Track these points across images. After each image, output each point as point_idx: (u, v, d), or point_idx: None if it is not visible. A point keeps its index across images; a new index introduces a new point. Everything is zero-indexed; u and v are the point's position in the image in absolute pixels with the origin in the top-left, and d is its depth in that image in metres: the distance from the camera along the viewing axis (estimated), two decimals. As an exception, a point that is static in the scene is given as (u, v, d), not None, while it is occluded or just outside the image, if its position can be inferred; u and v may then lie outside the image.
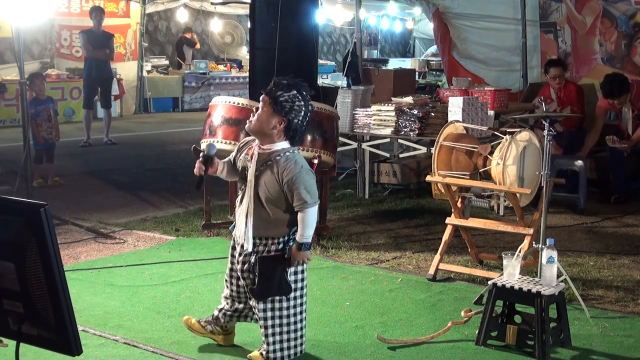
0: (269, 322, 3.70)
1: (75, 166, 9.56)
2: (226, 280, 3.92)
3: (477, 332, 4.09)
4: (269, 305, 3.69)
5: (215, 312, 3.98)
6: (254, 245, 3.66)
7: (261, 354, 3.77)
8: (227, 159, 3.87)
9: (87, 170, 9.36)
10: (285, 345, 3.74)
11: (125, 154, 10.59)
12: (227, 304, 3.94)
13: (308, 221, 3.58)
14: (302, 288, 3.76)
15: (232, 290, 3.89)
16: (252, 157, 3.67)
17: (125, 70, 14.88)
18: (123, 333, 4.15)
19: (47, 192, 7.89)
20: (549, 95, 7.73)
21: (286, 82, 3.63)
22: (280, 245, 3.66)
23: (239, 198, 3.76)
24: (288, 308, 3.71)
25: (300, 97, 3.63)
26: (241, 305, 3.90)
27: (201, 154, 3.74)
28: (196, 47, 17.53)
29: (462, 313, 4.34)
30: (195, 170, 3.74)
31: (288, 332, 3.73)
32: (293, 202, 3.58)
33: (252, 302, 3.76)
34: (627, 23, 9.04)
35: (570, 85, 7.81)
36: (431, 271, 5.17)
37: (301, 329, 3.78)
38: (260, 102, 3.66)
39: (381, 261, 5.62)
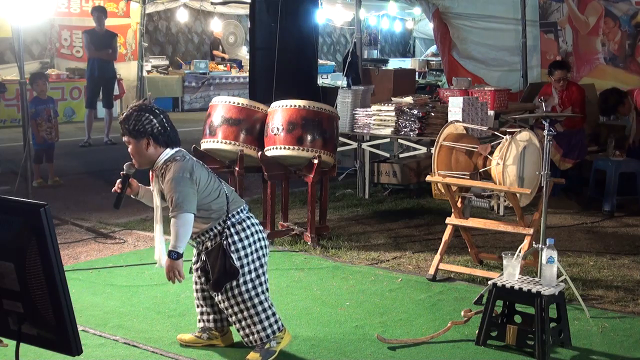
0: (234, 309, 3.79)
1: (75, 166, 9.56)
2: (195, 290, 4.03)
3: (477, 332, 4.09)
4: (228, 294, 3.77)
5: (201, 324, 4.03)
6: (202, 243, 3.81)
7: (248, 345, 3.84)
8: (150, 187, 3.98)
9: (87, 170, 9.36)
10: (257, 327, 3.79)
11: (125, 154, 10.40)
12: (203, 309, 4.02)
13: (175, 230, 3.65)
14: (254, 269, 3.80)
15: (202, 291, 3.99)
16: (152, 181, 3.88)
17: (126, 70, 14.86)
18: (123, 333, 4.16)
19: (47, 192, 7.89)
20: (551, 94, 7.72)
21: (124, 115, 3.81)
22: (220, 235, 3.76)
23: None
24: (244, 292, 3.77)
25: (141, 112, 3.78)
26: (215, 303, 3.98)
27: (121, 173, 3.89)
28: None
29: (462, 313, 4.34)
30: (114, 188, 3.90)
31: (255, 314, 3.78)
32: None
33: (216, 298, 3.85)
34: (629, 23, 9.04)
35: (573, 86, 7.78)
36: (431, 271, 5.17)
37: (268, 308, 3.82)
38: (125, 140, 3.85)
39: (381, 261, 5.62)
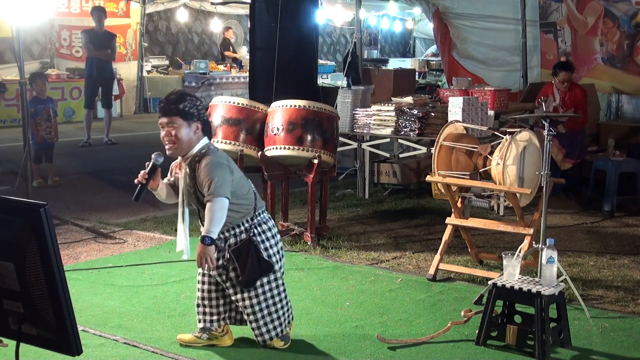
0: (260, 306, 3.83)
1: (75, 166, 9.56)
2: (200, 290, 4.00)
3: (477, 332, 4.09)
4: (257, 291, 3.82)
5: (201, 324, 4.01)
6: (225, 240, 3.78)
7: (262, 343, 3.92)
8: (165, 181, 3.93)
9: (87, 170, 9.36)
10: (280, 321, 3.90)
11: (125, 154, 10.59)
12: (206, 309, 4.00)
13: (211, 214, 3.61)
14: (278, 261, 3.89)
15: (209, 292, 3.97)
16: (181, 169, 3.82)
17: (126, 70, 14.88)
18: (123, 333, 4.15)
19: (47, 192, 7.89)
20: (552, 94, 7.69)
21: (175, 96, 3.75)
22: (246, 233, 3.79)
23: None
24: (274, 288, 3.87)
25: (193, 97, 3.79)
26: (222, 303, 3.99)
27: (147, 164, 3.76)
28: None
29: (462, 313, 4.34)
30: (137, 179, 3.75)
31: (280, 308, 3.89)
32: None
33: (236, 296, 3.85)
34: (629, 23, 9.04)
35: (576, 88, 7.73)
36: (431, 271, 5.17)
37: (287, 303, 3.97)
38: (166, 123, 3.71)
39: (381, 261, 5.62)
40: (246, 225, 3.79)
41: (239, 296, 3.85)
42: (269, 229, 3.87)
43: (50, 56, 14.59)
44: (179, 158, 3.84)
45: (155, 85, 15.83)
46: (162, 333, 4.18)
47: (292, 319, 4.06)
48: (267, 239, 3.84)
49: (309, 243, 5.96)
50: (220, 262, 3.80)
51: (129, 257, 5.66)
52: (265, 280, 3.82)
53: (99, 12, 11.55)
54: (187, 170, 3.75)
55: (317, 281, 5.14)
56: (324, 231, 6.18)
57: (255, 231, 3.80)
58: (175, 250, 4.10)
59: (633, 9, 8.97)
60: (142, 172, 3.75)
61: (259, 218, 3.84)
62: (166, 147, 3.75)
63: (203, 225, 3.71)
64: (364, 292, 4.94)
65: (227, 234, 3.79)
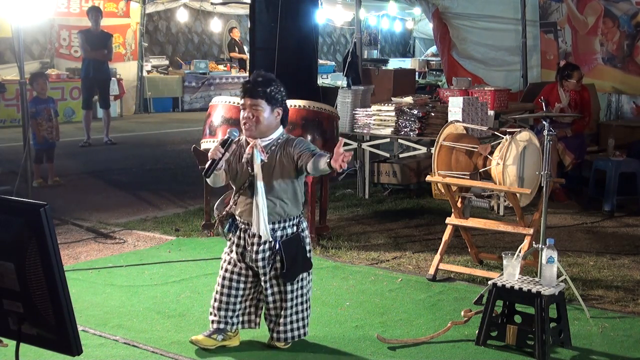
0: (293, 302, 3.87)
1: (75, 166, 9.55)
2: (227, 287, 3.93)
3: (477, 332, 4.09)
4: (297, 285, 3.86)
5: (219, 325, 3.95)
6: (273, 231, 3.79)
7: (273, 340, 3.92)
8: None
9: (87, 170, 9.36)
10: (300, 323, 3.92)
11: (125, 154, 10.59)
12: (227, 313, 3.93)
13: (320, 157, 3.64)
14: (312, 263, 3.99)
15: (229, 296, 3.92)
16: (252, 154, 3.76)
17: (125, 70, 14.87)
18: (123, 333, 4.15)
19: (47, 192, 7.89)
20: (558, 96, 7.63)
21: (262, 78, 3.74)
22: (295, 228, 3.84)
23: (238, 198, 3.85)
24: (307, 285, 3.93)
25: (279, 83, 3.77)
26: (242, 307, 3.97)
27: (221, 139, 3.74)
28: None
29: (462, 313, 4.34)
30: (211, 152, 3.69)
31: (304, 309, 3.94)
32: (305, 160, 3.65)
33: (272, 289, 3.85)
34: (629, 23, 9.03)
35: (584, 90, 7.70)
36: (431, 271, 5.17)
37: (310, 306, 3.98)
38: (250, 105, 3.71)
39: (381, 261, 5.62)
40: (295, 220, 3.84)
41: (275, 289, 3.85)
42: (307, 228, 3.95)
43: (50, 56, 14.59)
44: (251, 141, 3.78)
45: (155, 85, 15.83)
46: (162, 333, 4.18)
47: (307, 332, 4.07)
48: (307, 236, 3.92)
49: (309, 243, 5.96)
50: (262, 255, 3.79)
51: (129, 257, 5.66)
52: (301, 276, 3.86)
53: (96, 12, 11.54)
54: (268, 154, 3.72)
55: (317, 281, 5.13)
56: (324, 231, 6.18)
57: (302, 227, 3.87)
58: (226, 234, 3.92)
59: (633, 8, 8.96)
60: (215, 146, 3.70)
61: (302, 217, 3.91)
62: (244, 127, 3.75)
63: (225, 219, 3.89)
64: (364, 292, 4.93)
65: (278, 225, 3.80)
